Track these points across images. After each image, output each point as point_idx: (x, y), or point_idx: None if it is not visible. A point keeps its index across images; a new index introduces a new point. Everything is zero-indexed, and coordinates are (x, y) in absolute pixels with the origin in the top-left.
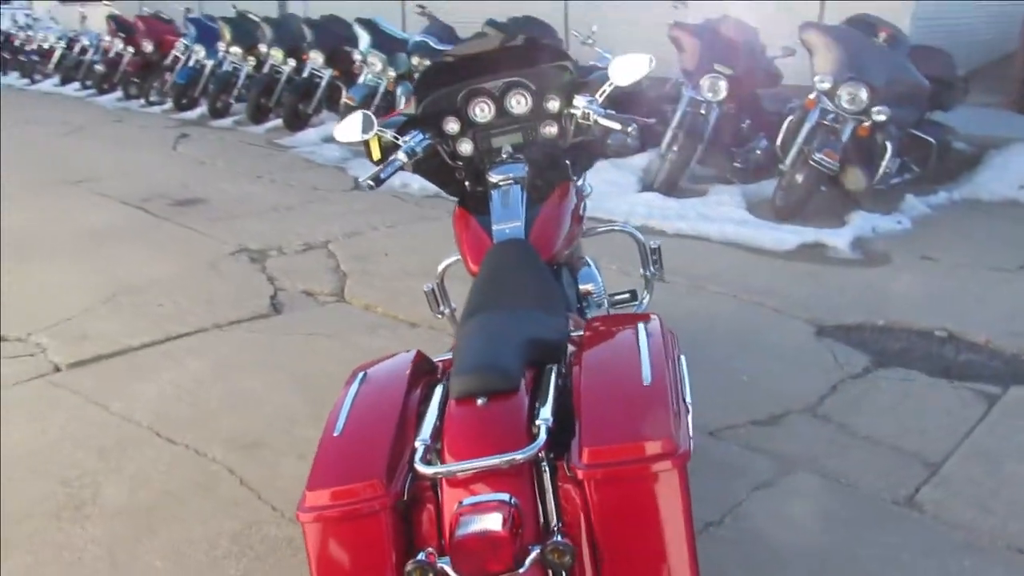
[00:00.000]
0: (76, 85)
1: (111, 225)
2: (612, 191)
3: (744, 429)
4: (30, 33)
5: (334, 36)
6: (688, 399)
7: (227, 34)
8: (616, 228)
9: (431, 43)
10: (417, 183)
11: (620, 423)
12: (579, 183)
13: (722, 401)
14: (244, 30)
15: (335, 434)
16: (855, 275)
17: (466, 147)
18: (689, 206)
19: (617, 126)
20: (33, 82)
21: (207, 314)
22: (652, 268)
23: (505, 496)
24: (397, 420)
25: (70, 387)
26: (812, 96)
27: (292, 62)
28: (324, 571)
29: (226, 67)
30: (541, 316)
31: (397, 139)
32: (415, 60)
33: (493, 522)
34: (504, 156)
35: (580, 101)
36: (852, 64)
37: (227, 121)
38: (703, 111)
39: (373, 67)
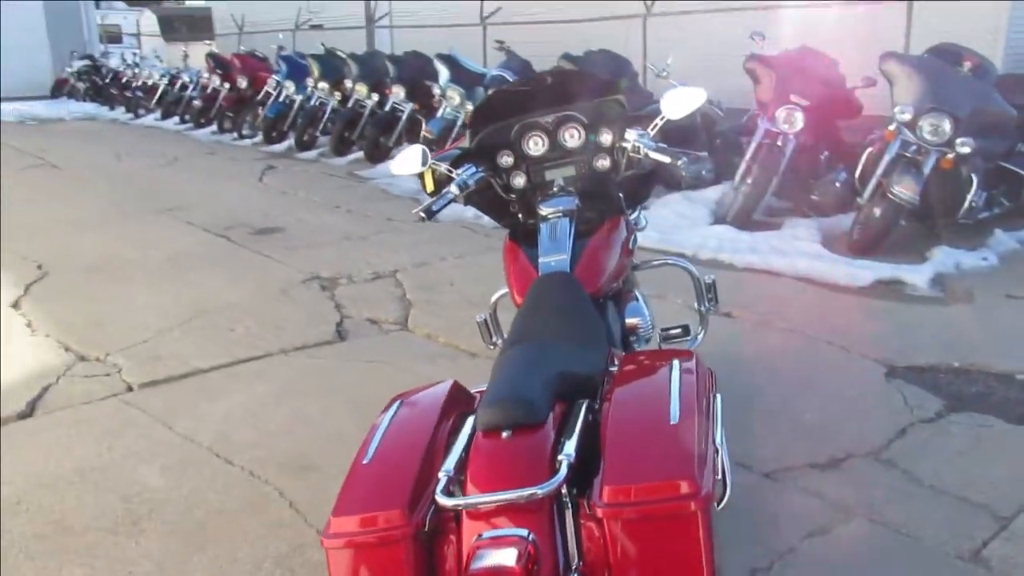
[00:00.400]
0: (176, 119)
1: (194, 251)
2: (683, 223)
3: (802, 472)
4: (136, 71)
5: (416, 71)
6: (719, 440)
7: (315, 70)
8: (670, 262)
9: (507, 76)
10: None
11: (644, 461)
12: (633, 216)
13: (781, 442)
14: (331, 66)
15: (364, 461)
16: (933, 313)
17: (519, 180)
18: (762, 239)
19: (667, 159)
20: (137, 116)
21: (275, 339)
22: (707, 303)
23: (523, 532)
24: (425, 449)
25: (140, 407)
26: (892, 127)
27: (375, 96)
28: None
29: (314, 102)
30: (575, 349)
31: (450, 172)
32: None
33: (507, 557)
34: (555, 189)
35: (631, 134)
36: (934, 94)
37: (312, 154)
38: (779, 143)
39: (452, 101)
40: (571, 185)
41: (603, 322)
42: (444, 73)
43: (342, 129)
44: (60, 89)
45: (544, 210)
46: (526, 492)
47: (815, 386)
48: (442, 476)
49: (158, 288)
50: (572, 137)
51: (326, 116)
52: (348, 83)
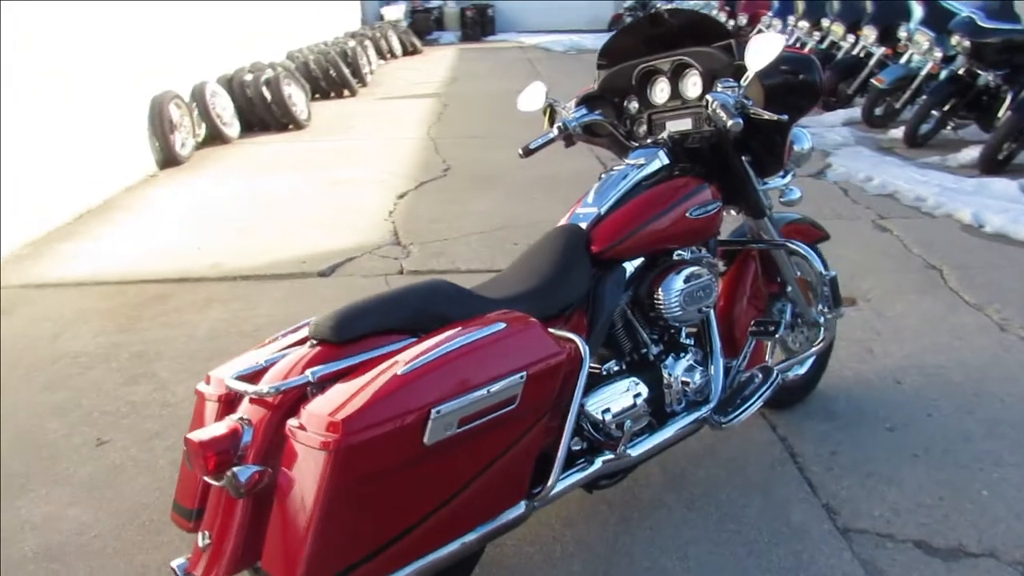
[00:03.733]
0: None
1: (574, 175)
2: None
3: None
4: None
5: (894, 11)
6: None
7: (799, 8)
8: (791, 246)
9: (977, 19)
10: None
11: (347, 401)
12: (772, 185)
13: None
14: (815, 5)
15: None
16: None
17: (642, 129)
18: None
19: (723, 119)
20: None
21: None
22: (824, 304)
23: (244, 417)
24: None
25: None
26: None
27: (851, 38)
28: None
29: (790, 40)
30: (475, 300)
31: (559, 112)
32: (954, 40)
33: (217, 429)
34: (649, 140)
35: (718, 86)
36: None
37: None
38: None
39: (918, 46)
40: (675, 140)
41: (567, 284)
42: (917, 12)
43: None
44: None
45: (626, 160)
46: (261, 388)
47: None
48: (260, 362)
49: (503, 201)
50: (694, 87)
51: None
52: (825, 22)
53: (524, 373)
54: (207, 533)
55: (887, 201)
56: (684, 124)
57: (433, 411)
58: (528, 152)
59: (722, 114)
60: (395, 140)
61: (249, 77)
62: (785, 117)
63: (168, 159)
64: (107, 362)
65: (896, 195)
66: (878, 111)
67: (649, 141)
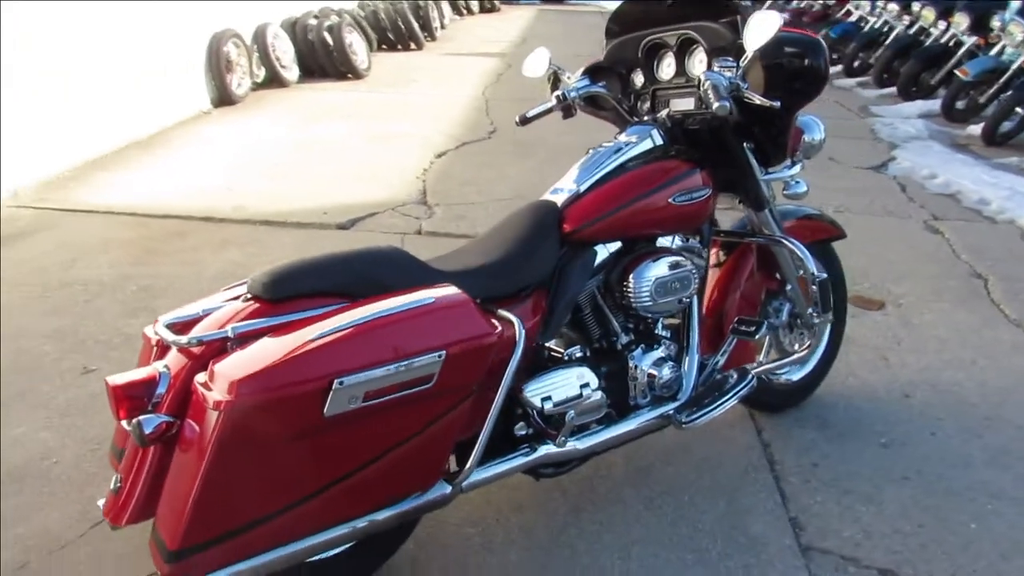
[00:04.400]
0: None
1: None
2: None
3: None
4: None
5: None
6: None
7: None
8: (786, 242)
9: None
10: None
11: (250, 362)
12: (776, 176)
13: None
14: None
15: None
16: None
17: (645, 106)
18: None
19: (713, 102)
20: None
21: None
22: (813, 308)
23: (166, 364)
24: None
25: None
26: None
27: (941, 24)
28: None
29: (878, 23)
30: (425, 271)
31: (563, 81)
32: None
33: (139, 374)
34: (646, 118)
35: (715, 66)
36: None
37: (851, 82)
38: None
39: (1012, 37)
40: (675, 120)
41: (530, 262)
42: (1015, 1)
43: (890, 58)
44: None
45: (617, 137)
46: (183, 338)
47: None
48: (199, 311)
49: (541, 167)
50: (700, 64)
51: (889, 42)
52: (916, 6)
53: (443, 352)
54: (119, 477)
55: (946, 201)
56: (687, 104)
57: (336, 382)
58: (525, 121)
59: (711, 95)
60: (448, 98)
61: (313, 22)
62: (777, 104)
63: (223, 98)
64: (113, 292)
65: (958, 195)
66: (959, 105)
67: (647, 119)
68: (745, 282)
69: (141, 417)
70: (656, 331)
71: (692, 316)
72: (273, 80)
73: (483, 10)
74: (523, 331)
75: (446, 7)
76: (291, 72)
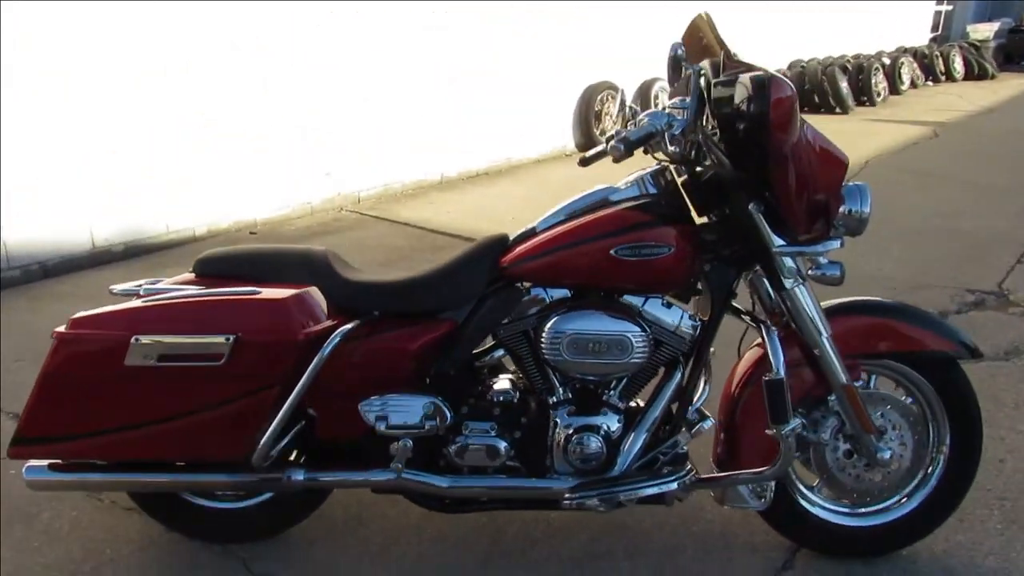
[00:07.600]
0: None
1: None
2: None
3: None
4: None
5: None
6: None
7: None
8: (763, 323)
9: None
10: None
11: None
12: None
13: None
14: None
15: None
16: None
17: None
18: None
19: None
20: None
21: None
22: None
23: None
24: None
25: None
26: None
27: None
28: None
29: None
30: (330, 274)
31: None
32: None
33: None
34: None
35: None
36: None
37: None
38: None
39: None
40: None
41: (448, 286)
42: None
43: None
44: None
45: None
46: (116, 287)
47: None
48: None
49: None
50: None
51: None
52: None
53: (234, 336)
54: None
55: None
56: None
57: (134, 338)
58: (584, 163)
59: (622, 133)
60: None
61: None
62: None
63: (587, 144)
64: None
65: None
66: None
67: (657, 165)
68: (788, 376)
69: None
70: (604, 397)
71: (663, 389)
72: None
73: (968, 76)
74: (338, 338)
75: (908, 70)
76: None
